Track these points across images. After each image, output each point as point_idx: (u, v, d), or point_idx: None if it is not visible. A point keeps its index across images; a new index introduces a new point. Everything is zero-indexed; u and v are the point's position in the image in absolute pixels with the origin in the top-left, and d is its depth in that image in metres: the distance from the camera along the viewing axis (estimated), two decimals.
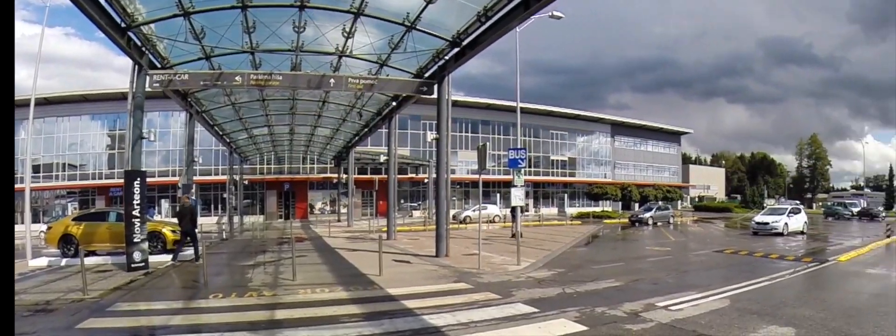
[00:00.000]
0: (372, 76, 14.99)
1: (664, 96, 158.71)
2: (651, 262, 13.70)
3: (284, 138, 29.89)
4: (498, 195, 44.92)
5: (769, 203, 57.41)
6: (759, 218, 24.25)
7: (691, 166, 78.00)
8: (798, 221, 24.06)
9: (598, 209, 46.12)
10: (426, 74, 15.14)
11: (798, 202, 41.44)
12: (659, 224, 32.30)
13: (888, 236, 20.67)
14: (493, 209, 34.97)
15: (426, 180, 39.58)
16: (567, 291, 8.99)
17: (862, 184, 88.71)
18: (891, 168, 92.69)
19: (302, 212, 42.51)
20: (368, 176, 39.48)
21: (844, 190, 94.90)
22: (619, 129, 60.42)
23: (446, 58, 14.01)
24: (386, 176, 23.19)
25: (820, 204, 73.86)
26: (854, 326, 6.51)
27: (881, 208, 52.60)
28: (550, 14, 19.73)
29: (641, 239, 22.21)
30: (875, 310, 7.58)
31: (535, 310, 7.41)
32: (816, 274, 11.51)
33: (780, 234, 22.24)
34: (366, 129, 24.99)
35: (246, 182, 36.94)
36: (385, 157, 24.98)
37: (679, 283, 10.02)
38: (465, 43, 12.78)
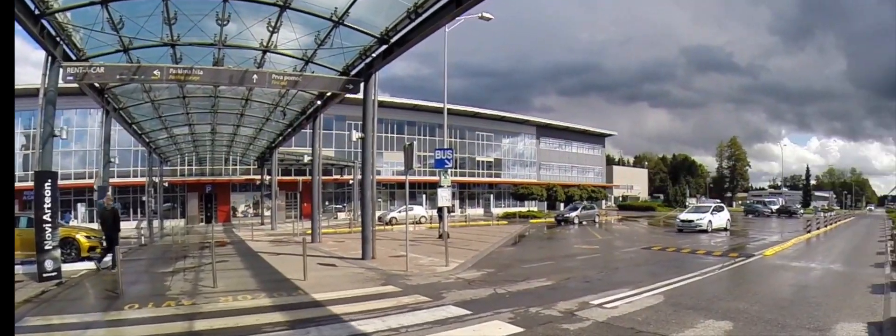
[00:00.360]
0: (297, 73, 14.54)
1: (589, 100, 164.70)
2: (581, 260, 13.99)
3: (206, 138, 28.61)
4: (424, 196, 45.04)
5: (691, 202, 60.39)
6: (684, 216, 25.24)
7: (615, 167, 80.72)
8: (721, 219, 25.27)
9: (524, 209, 46.90)
10: (353, 72, 14.86)
11: (719, 201, 43.84)
12: (585, 223, 33.22)
13: (808, 231, 22.15)
14: (420, 210, 34.97)
15: (351, 181, 39.05)
16: (499, 292, 9.01)
17: (780, 183, 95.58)
18: (807, 169, 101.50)
19: (224, 215, 40.81)
20: (292, 177, 38.37)
21: (763, 189, 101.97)
22: (544, 130, 61.66)
23: (374, 55, 13.79)
24: (310, 177, 22.63)
25: (740, 202, 78.83)
26: (788, 317, 6.85)
27: (799, 206, 56.62)
28: (480, 15, 19.93)
29: (569, 237, 22.73)
30: (805, 300, 8.04)
31: (468, 312, 7.35)
32: (745, 268, 12.12)
33: (705, 231, 23.27)
34: (290, 129, 24.39)
35: (166, 184, 35.23)
36: (309, 158, 24.38)
37: (611, 281, 10.21)
38: (393, 40, 12.59)
